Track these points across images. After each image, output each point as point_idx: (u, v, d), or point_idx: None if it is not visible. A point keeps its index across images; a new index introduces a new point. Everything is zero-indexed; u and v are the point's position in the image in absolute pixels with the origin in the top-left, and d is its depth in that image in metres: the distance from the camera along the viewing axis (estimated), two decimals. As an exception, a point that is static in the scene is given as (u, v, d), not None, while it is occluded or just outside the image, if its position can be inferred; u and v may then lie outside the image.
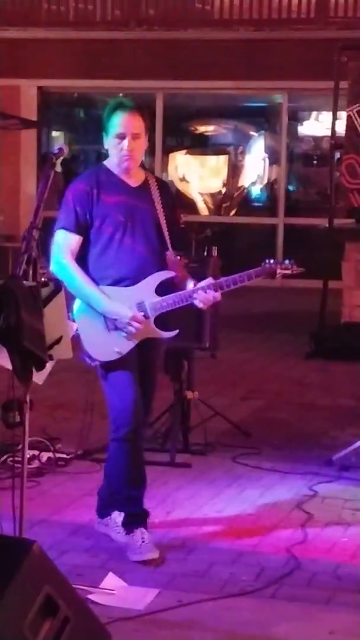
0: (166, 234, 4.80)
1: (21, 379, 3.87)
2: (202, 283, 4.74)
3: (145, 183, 4.87)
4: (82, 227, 4.76)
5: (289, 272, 4.79)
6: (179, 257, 4.88)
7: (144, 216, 4.80)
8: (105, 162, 4.88)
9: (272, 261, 4.79)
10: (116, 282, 4.74)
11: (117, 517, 4.97)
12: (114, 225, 4.74)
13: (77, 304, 4.77)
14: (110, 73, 16.28)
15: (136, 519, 4.83)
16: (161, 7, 16.63)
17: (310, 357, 10.13)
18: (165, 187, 5.03)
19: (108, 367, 4.76)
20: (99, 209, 4.74)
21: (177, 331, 4.82)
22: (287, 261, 4.81)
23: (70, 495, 5.53)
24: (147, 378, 4.86)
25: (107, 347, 4.73)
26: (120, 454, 4.78)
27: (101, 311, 4.71)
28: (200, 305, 4.75)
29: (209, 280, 4.75)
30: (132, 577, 4.45)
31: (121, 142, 4.72)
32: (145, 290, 4.74)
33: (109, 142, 4.78)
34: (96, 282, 4.75)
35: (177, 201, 5.20)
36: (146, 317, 4.73)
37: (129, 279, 4.74)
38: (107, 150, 4.85)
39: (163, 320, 4.80)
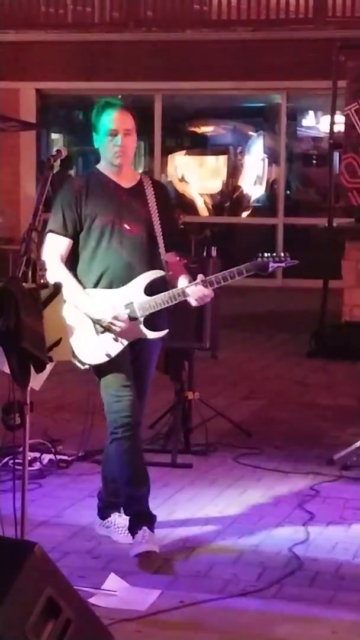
0: (158, 234, 4.77)
1: (18, 383, 3.87)
2: (193, 281, 4.72)
3: (140, 184, 4.86)
4: (70, 230, 4.75)
5: (282, 264, 4.77)
6: (178, 258, 4.88)
7: (135, 217, 4.77)
8: (98, 166, 4.87)
9: (265, 255, 4.73)
10: (106, 284, 4.74)
11: (118, 518, 4.97)
12: (103, 226, 4.72)
13: (66, 308, 4.73)
14: (109, 75, 16.27)
15: (140, 518, 4.79)
16: (159, 8, 16.62)
17: (311, 356, 10.13)
18: (161, 188, 5.02)
19: (99, 369, 4.75)
20: (88, 210, 4.73)
21: (165, 331, 4.80)
22: (281, 254, 4.79)
23: (71, 497, 5.53)
24: (140, 379, 4.84)
25: (96, 350, 4.71)
26: (121, 454, 4.76)
27: (84, 313, 4.69)
28: (193, 302, 4.73)
29: (200, 277, 4.72)
30: (134, 578, 4.45)
31: (113, 138, 4.72)
32: (134, 291, 4.71)
33: (101, 141, 4.77)
34: (88, 284, 4.74)
35: (174, 202, 5.19)
36: (133, 317, 4.69)
37: (118, 281, 4.72)
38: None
39: (155, 321, 4.77)
